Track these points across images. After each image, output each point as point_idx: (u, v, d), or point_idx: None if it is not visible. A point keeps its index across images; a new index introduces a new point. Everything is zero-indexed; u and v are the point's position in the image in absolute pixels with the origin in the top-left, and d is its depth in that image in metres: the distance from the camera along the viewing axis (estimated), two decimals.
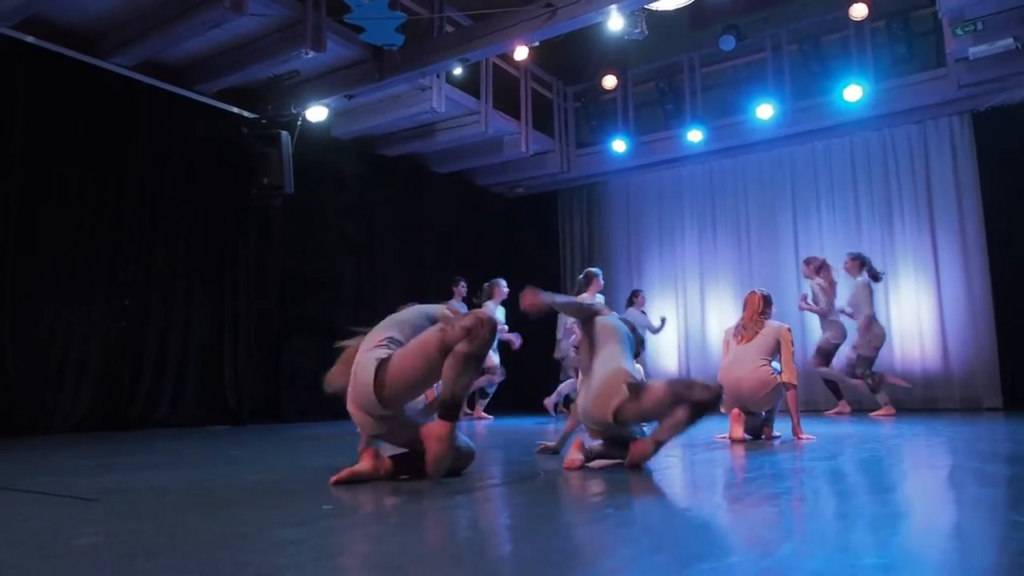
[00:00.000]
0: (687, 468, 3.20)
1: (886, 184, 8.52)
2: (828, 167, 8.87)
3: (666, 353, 9.59)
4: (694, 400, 2.79)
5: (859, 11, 7.78)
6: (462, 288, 7.87)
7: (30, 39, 5.96)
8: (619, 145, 9.30)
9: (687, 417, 2.81)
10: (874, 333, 7.05)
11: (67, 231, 6.09)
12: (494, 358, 8.15)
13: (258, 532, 1.72)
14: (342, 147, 8.48)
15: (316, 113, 7.47)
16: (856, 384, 7.23)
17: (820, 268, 7.40)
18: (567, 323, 8.40)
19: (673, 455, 3.56)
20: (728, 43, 8.50)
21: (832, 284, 7.35)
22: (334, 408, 7.85)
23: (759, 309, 4.68)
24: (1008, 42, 6.54)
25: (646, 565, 1.42)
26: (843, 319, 7.27)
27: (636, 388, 2.92)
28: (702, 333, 9.39)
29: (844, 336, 7.24)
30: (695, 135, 8.83)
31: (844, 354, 7.29)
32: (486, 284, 7.82)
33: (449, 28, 7.41)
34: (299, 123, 7.41)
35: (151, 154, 6.70)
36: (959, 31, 6.59)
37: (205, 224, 7.12)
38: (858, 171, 8.69)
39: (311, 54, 6.51)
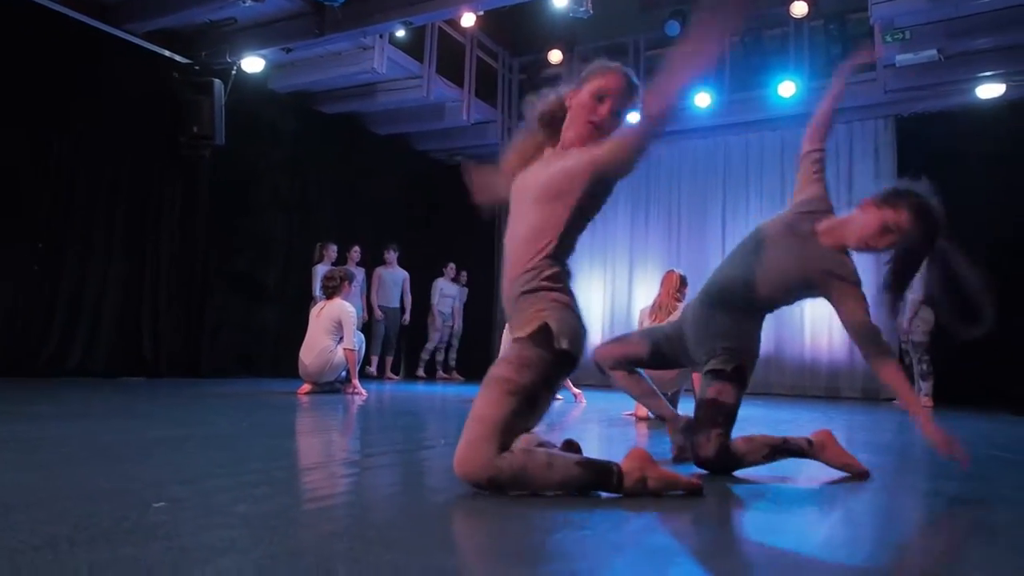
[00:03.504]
0: (590, 442, 3.34)
1: None
2: (759, 159, 9.16)
3: (591, 328, 9.81)
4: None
5: (799, 9, 7.99)
6: (331, 252, 7.92)
7: None
8: None
9: None
10: (923, 318, 6.78)
11: None
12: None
13: (144, 488, 1.75)
14: (278, 101, 8.31)
15: (252, 64, 7.30)
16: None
17: None
18: (440, 289, 9.16)
19: (579, 429, 3.71)
20: (674, 28, 8.62)
21: None
22: (255, 366, 7.85)
23: (676, 287, 4.88)
24: (932, 53, 6.86)
25: (512, 528, 1.52)
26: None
27: None
28: (627, 310, 9.64)
29: None
30: (634, 117, 8.94)
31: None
32: (319, 244, 7.91)
33: None
34: (234, 72, 7.22)
35: (73, 94, 6.44)
36: (888, 38, 6.86)
37: (129, 170, 6.91)
38: (787, 165, 8.99)
39: (249, 2, 6.35)
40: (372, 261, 8.70)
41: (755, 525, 1.76)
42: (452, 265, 9.55)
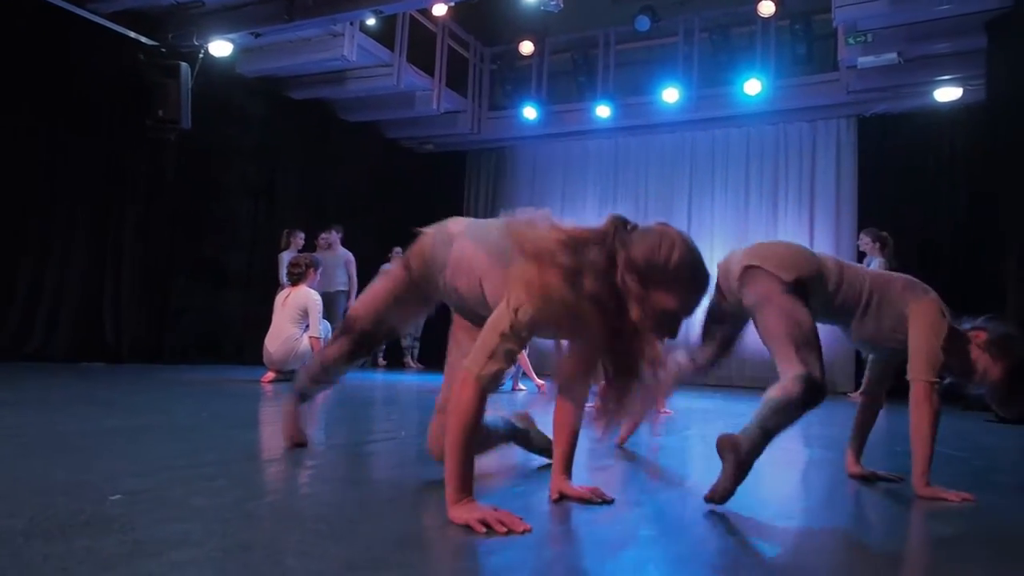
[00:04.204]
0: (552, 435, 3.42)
1: (775, 175, 9.03)
2: (725, 154, 9.30)
3: None
4: None
5: (767, 8, 8.10)
6: (299, 239, 7.78)
7: None
8: (530, 112, 9.42)
9: None
10: None
11: None
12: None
13: (102, 480, 1.79)
14: (247, 85, 8.22)
15: (220, 48, 7.21)
16: None
17: (886, 244, 6.77)
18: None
19: (540, 420, 3.78)
20: (643, 23, 8.70)
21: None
22: (219, 352, 7.81)
23: None
24: (892, 56, 7.02)
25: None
26: None
27: None
28: None
29: None
30: (603, 110, 9.04)
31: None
32: (285, 230, 7.75)
33: None
34: (201, 56, 7.14)
35: (36, 74, 6.32)
36: (851, 40, 7.01)
37: (93, 152, 6.81)
38: (751, 161, 9.16)
39: None
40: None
41: (698, 516, 1.85)
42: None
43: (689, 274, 1.58)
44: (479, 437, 1.66)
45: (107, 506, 1.53)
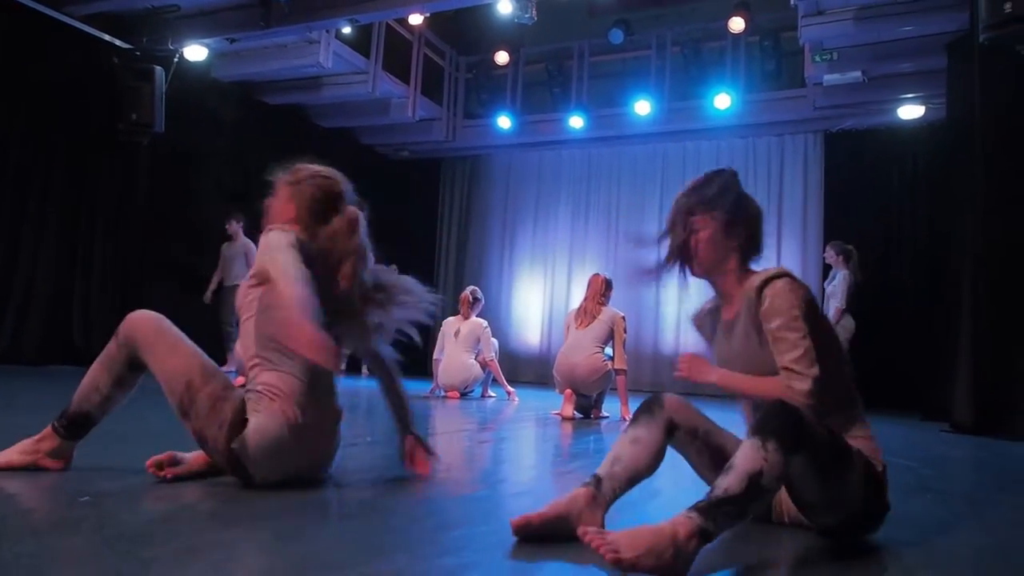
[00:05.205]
0: (519, 441, 3.50)
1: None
2: (696, 166, 9.45)
3: (530, 327, 10.01)
4: None
5: (737, 24, 8.26)
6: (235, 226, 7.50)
7: None
8: (504, 122, 9.50)
9: None
10: (843, 325, 6.74)
11: None
12: None
13: (71, 483, 1.83)
14: (222, 90, 8.22)
15: (195, 52, 7.22)
16: None
17: (851, 256, 6.93)
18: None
19: (508, 427, 3.87)
20: (617, 36, 8.83)
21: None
22: None
23: (601, 291, 5.05)
24: (856, 75, 7.23)
25: (420, 527, 1.66)
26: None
27: None
28: (565, 311, 9.85)
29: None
30: (576, 121, 9.16)
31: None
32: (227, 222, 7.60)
33: None
34: (176, 60, 7.14)
35: (8, 75, 6.30)
36: (817, 58, 7.19)
37: (64, 155, 6.80)
38: None
39: None
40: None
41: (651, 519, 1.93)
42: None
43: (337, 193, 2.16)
44: None
45: (77, 507, 1.58)
